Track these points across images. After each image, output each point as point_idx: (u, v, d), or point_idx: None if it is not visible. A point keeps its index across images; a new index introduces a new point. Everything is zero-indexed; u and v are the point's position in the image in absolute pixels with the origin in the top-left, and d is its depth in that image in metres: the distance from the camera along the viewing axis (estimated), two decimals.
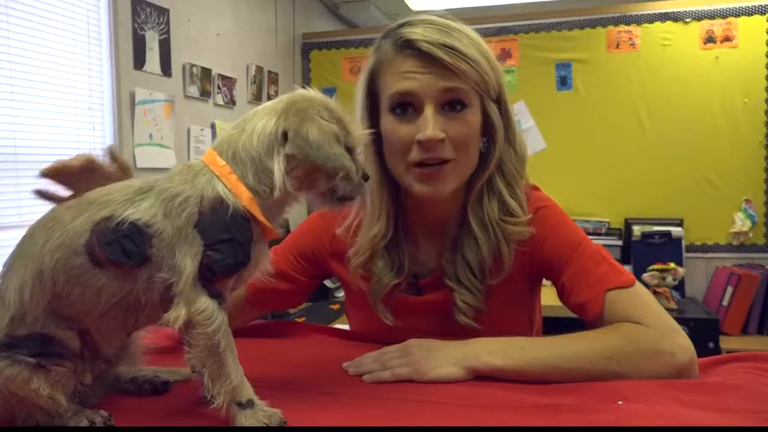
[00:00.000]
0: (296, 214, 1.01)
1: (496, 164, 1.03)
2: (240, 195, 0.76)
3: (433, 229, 1.09)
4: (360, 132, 0.84)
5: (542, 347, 0.92)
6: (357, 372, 0.94)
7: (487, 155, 1.03)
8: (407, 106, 0.98)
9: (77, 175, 0.81)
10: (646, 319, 0.93)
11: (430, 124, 0.95)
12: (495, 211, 1.03)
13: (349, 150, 0.81)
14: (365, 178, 0.84)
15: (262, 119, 0.78)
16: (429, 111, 0.96)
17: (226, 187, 0.76)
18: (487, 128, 1.02)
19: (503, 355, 0.91)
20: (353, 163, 0.80)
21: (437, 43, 0.95)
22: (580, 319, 1.03)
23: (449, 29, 0.97)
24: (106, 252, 0.74)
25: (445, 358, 0.91)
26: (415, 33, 0.96)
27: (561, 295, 1.05)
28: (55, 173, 0.79)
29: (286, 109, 0.78)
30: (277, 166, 0.76)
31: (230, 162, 0.77)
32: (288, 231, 1.22)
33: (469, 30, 1.00)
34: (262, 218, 0.77)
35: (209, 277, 0.74)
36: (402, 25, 1.00)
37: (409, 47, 0.96)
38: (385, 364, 0.93)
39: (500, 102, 1.03)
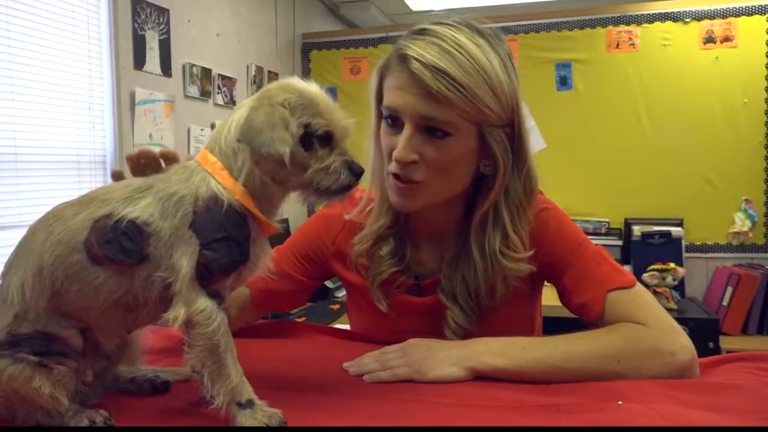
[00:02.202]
0: (297, 214, 1.01)
1: (502, 190, 1.00)
2: (233, 190, 0.76)
3: (432, 234, 1.09)
4: (344, 121, 0.79)
5: (543, 347, 0.92)
6: (357, 372, 0.94)
7: (492, 178, 1.00)
8: (395, 118, 0.97)
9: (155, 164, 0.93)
10: (646, 320, 0.93)
11: (401, 145, 0.95)
12: (497, 243, 1.00)
13: (326, 138, 0.77)
14: (355, 171, 0.80)
15: (240, 110, 0.78)
16: (407, 131, 0.95)
17: (219, 183, 0.76)
18: (489, 155, 0.98)
19: (504, 356, 0.91)
20: (289, 148, 0.73)
21: (430, 65, 0.91)
22: (580, 319, 1.03)
23: (456, 49, 0.92)
24: (104, 249, 0.74)
25: (445, 358, 0.91)
26: (412, 49, 0.93)
27: (562, 297, 1.05)
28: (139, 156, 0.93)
29: (258, 98, 0.78)
30: (241, 155, 0.76)
31: (219, 157, 0.77)
32: (288, 231, 1.22)
33: (484, 52, 0.93)
34: (256, 212, 0.77)
35: (207, 277, 0.74)
36: (414, 32, 0.97)
37: (403, 62, 0.94)
38: (385, 364, 0.93)
39: (513, 128, 0.98)
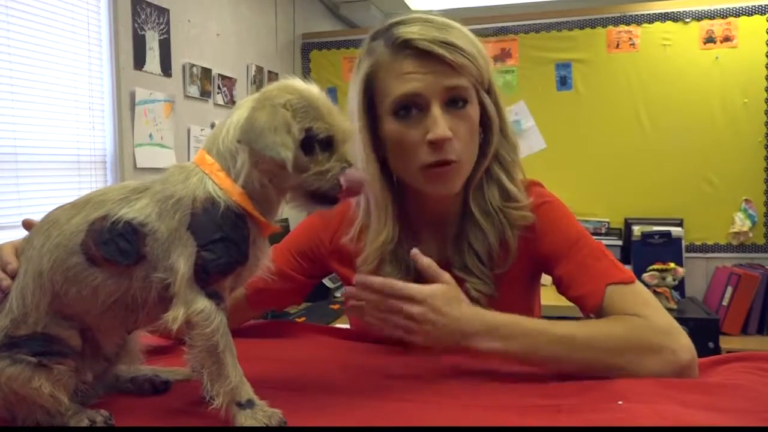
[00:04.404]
0: (297, 214, 1.00)
1: (494, 154, 1.04)
2: (230, 191, 0.75)
3: (434, 223, 1.09)
4: (344, 124, 0.79)
5: (548, 332, 0.91)
6: (355, 312, 0.94)
7: (484, 145, 1.04)
8: (411, 107, 0.97)
9: None
10: (647, 316, 0.93)
11: (440, 123, 0.95)
12: (496, 198, 1.04)
13: (326, 142, 0.77)
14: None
15: (239, 111, 0.78)
16: (436, 110, 0.95)
17: (216, 184, 0.75)
18: (482, 119, 1.02)
19: (506, 339, 0.90)
20: (292, 153, 0.72)
21: (436, 40, 0.94)
22: (580, 312, 1.02)
23: (445, 26, 0.97)
24: (101, 251, 0.74)
25: (449, 336, 0.90)
26: (412, 32, 0.95)
27: (559, 287, 1.04)
28: None
29: (258, 99, 0.77)
30: (240, 156, 0.75)
31: (216, 159, 0.77)
32: (288, 231, 1.21)
33: (460, 26, 1.00)
34: (255, 213, 0.76)
35: (204, 278, 0.74)
36: (395, 24, 0.99)
37: (407, 47, 0.95)
38: (387, 317, 0.91)
39: (491, 92, 1.03)
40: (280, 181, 0.77)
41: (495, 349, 0.90)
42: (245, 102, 0.79)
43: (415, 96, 0.96)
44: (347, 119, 0.81)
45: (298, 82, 0.79)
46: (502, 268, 1.04)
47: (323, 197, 0.78)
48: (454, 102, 0.97)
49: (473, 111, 1.00)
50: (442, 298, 0.91)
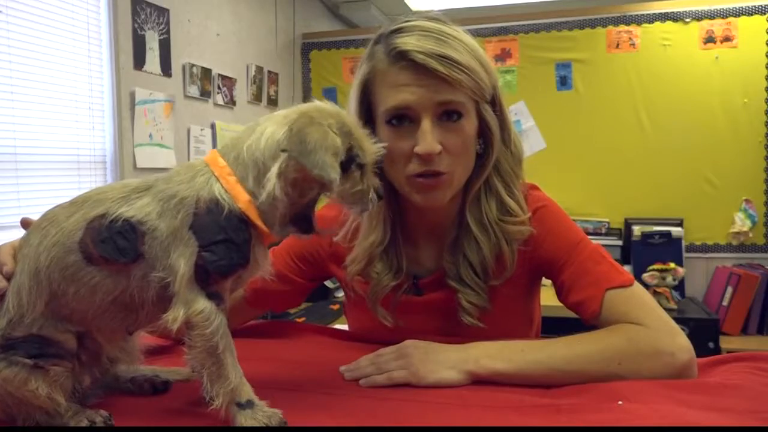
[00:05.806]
0: None
1: (493, 165, 1.03)
2: (237, 196, 0.75)
3: (432, 230, 1.09)
4: (375, 148, 0.82)
5: (542, 350, 0.92)
6: (353, 377, 0.93)
7: (483, 156, 1.03)
8: (403, 118, 0.97)
9: None
10: (645, 320, 0.93)
11: (427, 138, 0.94)
12: (493, 211, 1.03)
13: (360, 166, 0.79)
14: (379, 196, 0.83)
15: (273, 125, 0.77)
16: (426, 124, 0.95)
17: (223, 188, 0.75)
18: (483, 131, 1.01)
19: (502, 358, 0.90)
20: (338, 176, 0.75)
21: (432, 54, 0.92)
22: (579, 319, 1.03)
23: (444, 36, 0.95)
24: (99, 249, 0.74)
25: (443, 361, 0.91)
26: (409, 43, 0.94)
27: (559, 293, 1.05)
28: None
29: (298, 118, 0.77)
30: (275, 167, 0.74)
31: (232, 164, 0.77)
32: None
33: (463, 34, 0.98)
34: (258, 221, 0.76)
35: (205, 279, 0.73)
36: (395, 32, 0.97)
37: (403, 58, 0.94)
38: (381, 367, 0.92)
39: (495, 103, 1.02)
40: (301, 194, 0.78)
41: (495, 368, 0.90)
42: (274, 117, 0.78)
43: (407, 108, 0.96)
44: (375, 142, 0.83)
45: (329, 105, 0.80)
46: (498, 281, 1.04)
47: (307, 225, 0.82)
48: (447, 115, 0.96)
49: (468, 124, 0.98)
50: (412, 342, 0.95)
